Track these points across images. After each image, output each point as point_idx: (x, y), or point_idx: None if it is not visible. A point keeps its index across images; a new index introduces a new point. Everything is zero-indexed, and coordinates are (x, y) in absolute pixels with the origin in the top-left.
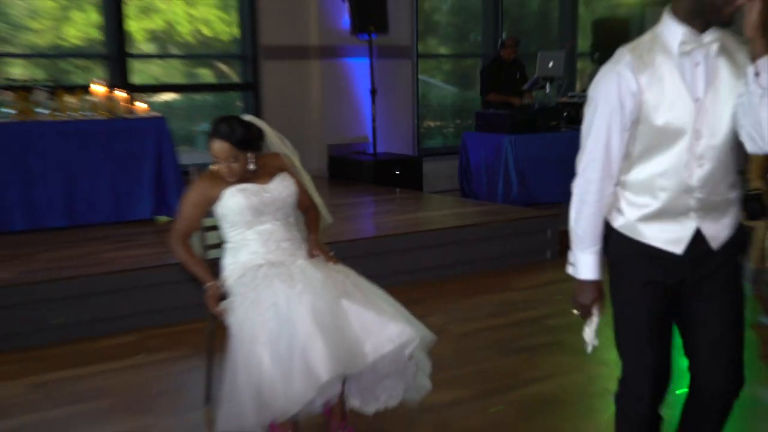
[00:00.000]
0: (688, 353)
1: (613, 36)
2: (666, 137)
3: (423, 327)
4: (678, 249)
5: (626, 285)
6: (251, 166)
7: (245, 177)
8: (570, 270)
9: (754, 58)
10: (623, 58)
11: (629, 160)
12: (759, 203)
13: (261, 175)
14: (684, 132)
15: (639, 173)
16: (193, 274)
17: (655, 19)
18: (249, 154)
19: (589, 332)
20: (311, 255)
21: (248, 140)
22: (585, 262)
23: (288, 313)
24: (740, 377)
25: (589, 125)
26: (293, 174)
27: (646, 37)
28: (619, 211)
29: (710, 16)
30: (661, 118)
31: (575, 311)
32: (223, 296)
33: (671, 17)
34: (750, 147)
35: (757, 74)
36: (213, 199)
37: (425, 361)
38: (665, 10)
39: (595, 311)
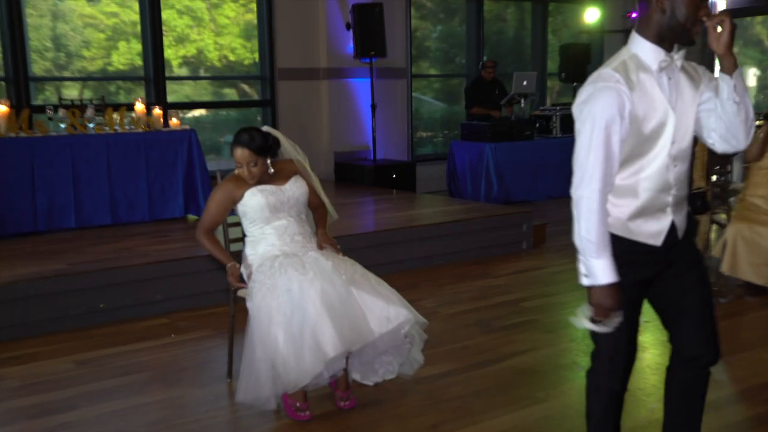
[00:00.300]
0: (673, 330)
1: (577, 58)
2: (650, 143)
3: (416, 312)
4: (658, 241)
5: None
6: (270, 170)
7: (264, 179)
8: (586, 281)
9: (728, 72)
10: (613, 77)
11: None
12: (702, 200)
13: (277, 178)
14: (665, 138)
15: (625, 178)
16: (217, 259)
17: (612, 44)
18: (267, 160)
19: (596, 327)
20: (320, 247)
21: (266, 147)
22: (603, 268)
23: (300, 298)
24: (719, 347)
25: (588, 140)
26: (305, 177)
27: (623, 58)
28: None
29: (679, 37)
30: (648, 127)
31: (591, 319)
32: (241, 274)
33: (643, 39)
34: (723, 148)
35: (735, 86)
36: (236, 199)
37: (420, 336)
38: (633, 32)
39: (616, 313)
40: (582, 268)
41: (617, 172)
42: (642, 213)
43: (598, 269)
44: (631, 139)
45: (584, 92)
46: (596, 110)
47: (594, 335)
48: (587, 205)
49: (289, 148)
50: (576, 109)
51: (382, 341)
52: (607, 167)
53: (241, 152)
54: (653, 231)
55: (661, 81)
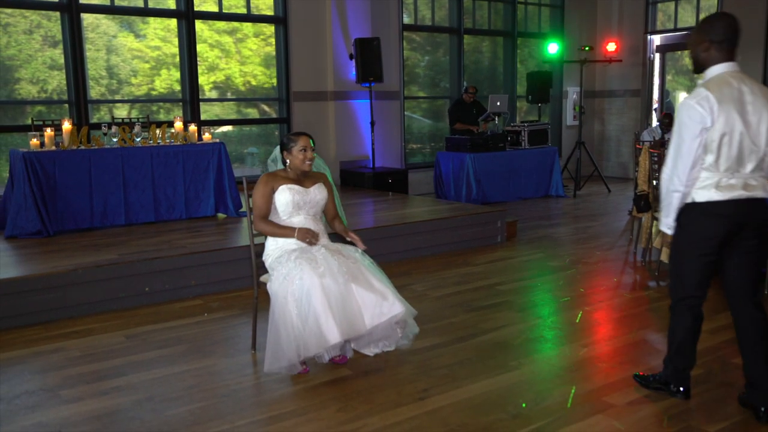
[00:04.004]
0: None
1: (541, 83)
2: None
3: (408, 304)
4: None
5: None
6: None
7: (299, 180)
8: None
9: None
10: None
11: None
12: (646, 200)
13: (308, 182)
14: None
15: None
16: (282, 235)
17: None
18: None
19: None
20: (347, 235)
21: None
22: None
23: (309, 286)
24: None
25: None
26: (328, 188)
27: None
28: None
29: None
30: None
31: None
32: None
33: None
34: None
35: None
36: (274, 189)
37: (412, 325)
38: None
39: None
40: None
41: None
42: None
43: None
44: None
45: None
46: None
47: None
48: None
49: (320, 162)
50: None
51: (377, 331)
52: None
53: (307, 138)
54: None
55: None
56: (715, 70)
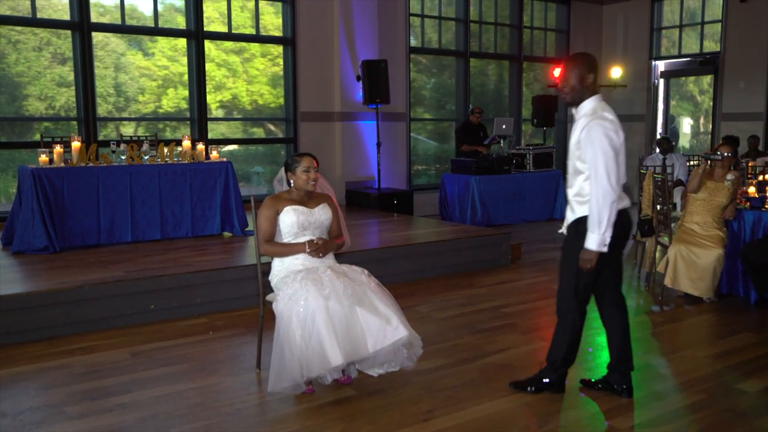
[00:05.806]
0: None
1: (546, 107)
2: None
3: (412, 329)
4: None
5: None
6: (311, 183)
7: (303, 201)
8: None
9: None
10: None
11: None
12: (649, 225)
13: (312, 203)
14: None
15: None
16: (292, 252)
17: None
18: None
19: None
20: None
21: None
22: None
23: (314, 307)
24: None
25: None
26: (333, 210)
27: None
28: None
29: None
30: None
31: None
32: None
33: None
34: None
35: None
36: (279, 211)
37: (416, 347)
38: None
39: None
40: None
41: None
42: None
43: None
44: None
45: None
46: None
47: None
48: None
49: (324, 183)
50: None
51: (381, 354)
52: None
53: (311, 159)
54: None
55: None
56: (595, 99)
